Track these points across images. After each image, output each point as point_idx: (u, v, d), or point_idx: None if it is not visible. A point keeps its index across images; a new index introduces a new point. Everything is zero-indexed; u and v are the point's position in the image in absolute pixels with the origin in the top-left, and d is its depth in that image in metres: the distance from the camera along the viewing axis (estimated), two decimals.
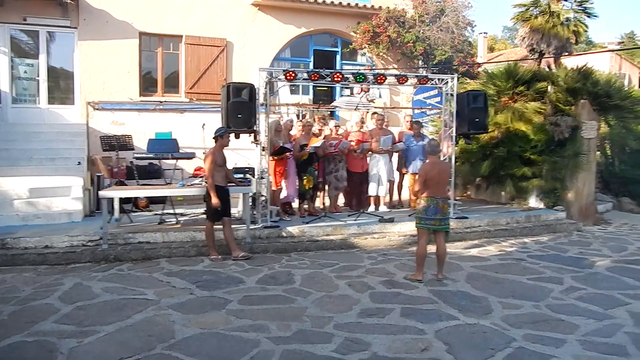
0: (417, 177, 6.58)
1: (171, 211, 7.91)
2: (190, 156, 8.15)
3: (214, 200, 6.29)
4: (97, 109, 11.04)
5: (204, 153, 8.09)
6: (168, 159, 8.11)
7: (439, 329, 4.27)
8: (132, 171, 9.12)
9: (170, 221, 7.71)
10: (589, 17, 10.93)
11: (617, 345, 3.97)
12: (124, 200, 7.92)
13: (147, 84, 12.29)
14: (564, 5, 10.65)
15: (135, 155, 8.32)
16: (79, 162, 8.84)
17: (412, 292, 5.26)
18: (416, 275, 5.71)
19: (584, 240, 8.06)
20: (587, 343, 3.99)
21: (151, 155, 7.90)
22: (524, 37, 10.50)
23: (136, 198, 8.66)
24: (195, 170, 10.20)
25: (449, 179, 6.42)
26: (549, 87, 9.87)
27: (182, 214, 8.16)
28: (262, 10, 13.16)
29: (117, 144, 8.55)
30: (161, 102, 11.66)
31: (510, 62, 11.04)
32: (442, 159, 8.55)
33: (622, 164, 11.43)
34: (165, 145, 7.74)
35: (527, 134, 9.48)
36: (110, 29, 11.37)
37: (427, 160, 6.03)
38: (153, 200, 8.98)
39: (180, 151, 8.17)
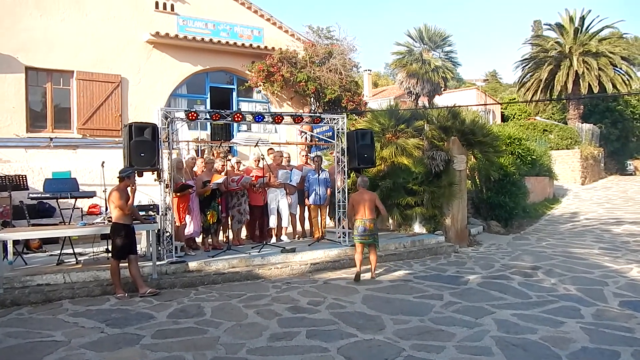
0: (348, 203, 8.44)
1: (69, 251, 7.74)
2: (90, 195, 8.07)
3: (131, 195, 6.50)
4: None
5: (104, 191, 8.06)
6: (67, 198, 7.94)
7: (340, 346, 4.78)
8: (21, 211, 8.72)
9: (70, 261, 7.54)
10: (454, 65, 12.54)
11: (484, 347, 4.76)
12: (14, 242, 7.61)
13: (35, 119, 11.82)
14: (433, 54, 12.20)
15: (31, 195, 8.03)
16: None
17: (315, 315, 5.77)
18: (357, 269, 7.59)
19: (460, 261, 9.13)
20: (461, 347, 4.73)
21: (48, 195, 7.70)
22: (402, 81, 11.86)
23: (28, 239, 8.31)
24: (90, 207, 10.00)
25: (374, 205, 7.81)
26: (425, 125, 11.11)
27: (80, 254, 7.99)
28: (157, 47, 13.32)
29: (10, 184, 8.18)
30: (51, 138, 11.27)
31: (391, 106, 12.22)
32: (336, 191, 9.35)
33: (489, 191, 13.02)
34: (63, 185, 7.63)
35: (409, 167, 10.56)
36: None
37: (359, 190, 7.94)
38: (46, 241, 8.66)
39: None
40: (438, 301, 6.35)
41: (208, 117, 8.37)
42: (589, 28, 29.16)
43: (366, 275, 7.75)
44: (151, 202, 8.36)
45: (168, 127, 7.97)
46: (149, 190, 9.15)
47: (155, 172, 7.62)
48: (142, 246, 7.92)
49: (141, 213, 7.55)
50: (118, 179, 6.76)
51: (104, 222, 7.24)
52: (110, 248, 7.03)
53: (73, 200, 8.39)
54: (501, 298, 6.49)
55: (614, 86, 27.10)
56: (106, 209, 7.75)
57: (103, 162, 8.09)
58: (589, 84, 27.10)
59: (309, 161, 10.30)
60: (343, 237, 9.22)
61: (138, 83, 13.00)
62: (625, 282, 7.30)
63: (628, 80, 27.82)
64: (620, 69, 27.93)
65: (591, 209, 16.88)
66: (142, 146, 7.33)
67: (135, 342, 4.91)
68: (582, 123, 28.11)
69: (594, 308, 6.00)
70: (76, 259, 7.62)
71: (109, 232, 6.81)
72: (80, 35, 12.24)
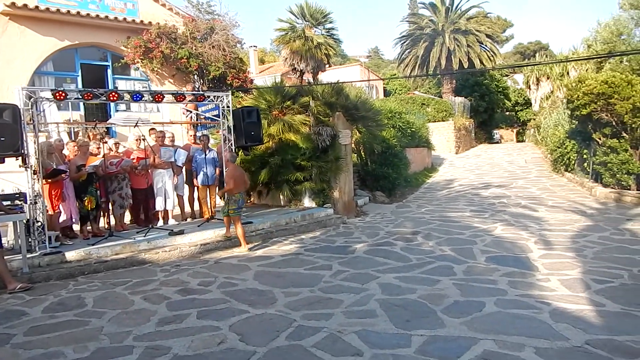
0: (226, 178, 8.32)
1: None
2: None
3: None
4: None
5: None
6: None
7: (232, 323, 4.78)
8: None
9: None
10: (335, 42, 12.81)
11: (370, 310, 5.03)
12: None
13: None
14: (315, 31, 12.38)
15: None
16: None
17: (206, 295, 5.69)
18: (243, 245, 7.97)
19: (348, 231, 9.49)
20: (349, 313, 4.96)
21: None
22: (286, 58, 11.93)
23: None
24: None
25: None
26: (311, 102, 11.26)
27: None
28: (14, 20, 11.99)
29: None
30: None
31: (277, 83, 12.21)
32: (224, 169, 9.22)
33: (373, 163, 13.61)
34: None
35: (297, 143, 10.68)
36: None
37: (231, 166, 8.09)
38: None
39: None
40: (327, 271, 6.57)
41: (79, 96, 7.76)
42: (459, 7, 31.32)
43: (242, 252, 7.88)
44: (17, 191, 7.62)
45: (32, 108, 7.27)
46: (14, 177, 8.32)
47: (20, 158, 6.95)
48: (9, 238, 7.22)
49: (5, 203, 6.84)
50: None
51: None
52: None
53: None
54: (385, 263, 6.88)
55: (481, 62, 29.51)
56: None
57: None
58: (459, 59, 29.22)
59: (197, 140, 9.98)
60: None
61: None
62: (491, 239, 8.11)
63: (492, 56, 30.42)
64: (486, 46, 30.42)
65: (464, 175, 18.39)
66: (2, 129, 6.65)
67: (4, 342, 4.51)
68: (455, 97, 30.32)
69: (465, 265, 6.60)
70: None
71: None
72: None
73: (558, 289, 5.47)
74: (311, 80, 13.52)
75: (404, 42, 32.22)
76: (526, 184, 15.15)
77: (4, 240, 6.41)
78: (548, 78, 29.22)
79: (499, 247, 7.59)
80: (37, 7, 12.11)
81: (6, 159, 6.85)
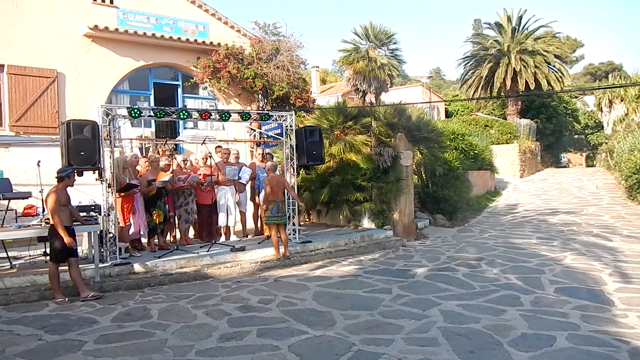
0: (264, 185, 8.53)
1: (3, 255, 7.32)
2: (25, 195, 7.66)
3: (66, 238, 6.13)
4: None
5: (40, 192, 7.69)
6: None
7: (291, 343, 4.78)
8: None
9: (4, 266, 7.14)
10: (399, 62, 12.77)
11: (431, 338, 4.88)
12: None
13: None
14: (379, 52, 12.44)
15: None
16: None
17: (266, 314, 5.73)
18: (276, 255, 8.21)
19: (408, 254, 9.31)
20: (409, 339, 4.83)
21: None
22: (349, 78, 12.05)
23: None
24: (25, 209, 9.52)
25: (284, 188, 8.50)
26: (373, 122, 11.24)
27: (15, 258, 7.59)
28: (95, 41, 12.81)
29: None
30: None
31: (339, 103, 12.29)
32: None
33: (434, 185, 13.35)
34: None
35: (358, 163, 10.68)
36: None
37: (270, 174, 8.34)
38: None
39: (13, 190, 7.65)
40: (387, 295, 6.45)
41: (152, 114, 8.14)
42: (526, 27, 30.48)
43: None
44: (92, 203, 8.04)
45: (109, 125, 7.68)
46: (90, 190, 8.81)
47: (97, 172, 7.34)
48: (83, 248, 7.61)
49: (82, 214, 7.24)
50: (56, 179, 6.46)
51: (40, 224, 6.90)
52: (48, 251, 6.70)
53: (6, 201, 7.95)
54: (447, 289, 6.68)
55: (549, 83, 28.43)
56: (43, 210, 7.40)
57: (39, 161, 7.72)
58: (525, 80, 28.30)
59: (264, 160, 10.17)
60: (293, 235, 9.20)
61: (76, 78, 12.45)
62: (560, 269, 7.69)
63: (561, 77, 29.26)
64: (554, 66, 29.32)
65: (529, 200, 17.65)
66: (82, 144, 7.04)
67: (76, 348, 4.71)
68: (520, 118, 29.33)
69: (533, 295, 6.28)
70: (10, 263, 7.24)
71: (46, 234, 6.50)
72: (11, 26, 11.55)
73: (637, 326, 5.10)
74: (373, 100, 13.57)
75: (468, 63, 31.66)
76: (598, 211, 14.33)
77: (78, 249, 6.76)
78: (622, 100, 27.72)
79: (569, 277, 7.18)
80: (117, 29, 12.90)
81: (84, 172, 7.25)
